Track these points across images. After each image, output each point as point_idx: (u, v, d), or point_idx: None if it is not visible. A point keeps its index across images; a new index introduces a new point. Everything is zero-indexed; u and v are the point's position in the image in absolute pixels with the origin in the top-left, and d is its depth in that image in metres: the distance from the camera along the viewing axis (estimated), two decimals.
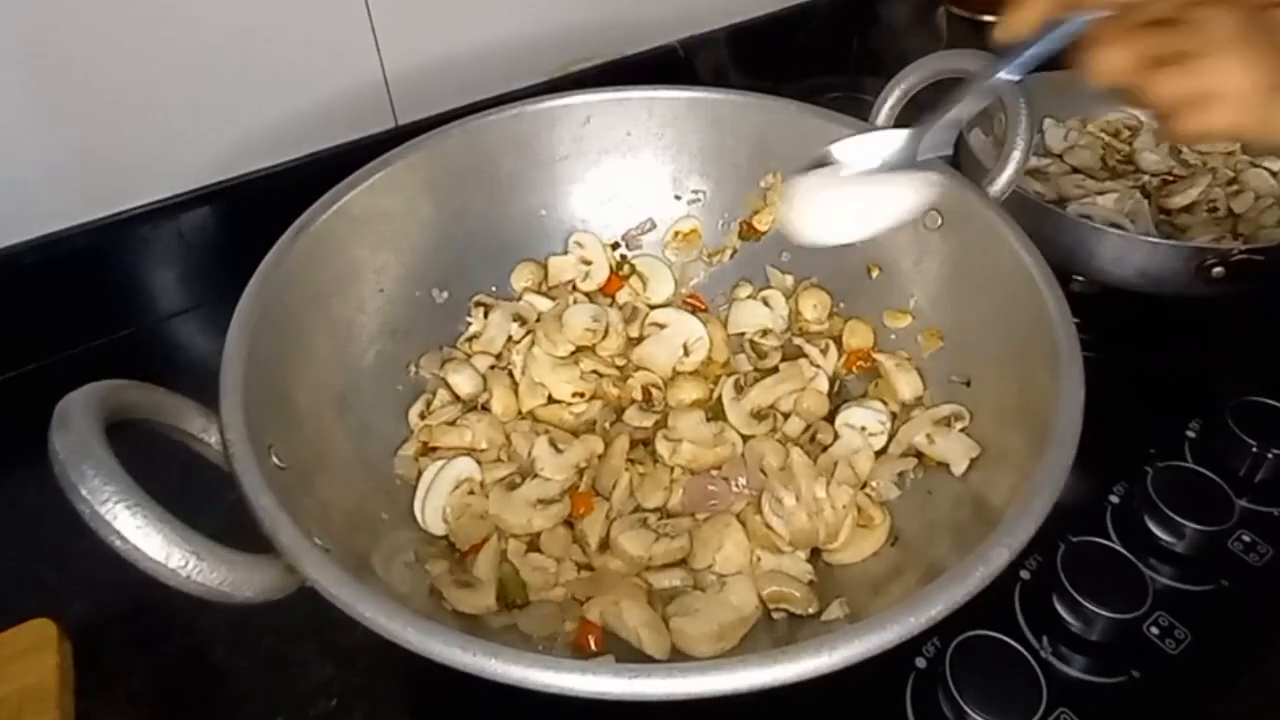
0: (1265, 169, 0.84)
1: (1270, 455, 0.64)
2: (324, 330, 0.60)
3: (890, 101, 0.69)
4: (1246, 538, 0.62)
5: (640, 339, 0.70)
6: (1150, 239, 0.74)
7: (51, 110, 0.70)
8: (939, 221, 0.64)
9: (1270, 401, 0.67)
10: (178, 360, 0.81)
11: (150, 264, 0.80)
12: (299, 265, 0.58)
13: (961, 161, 0.81)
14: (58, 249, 0.75)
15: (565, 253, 0.75)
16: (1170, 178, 0.87)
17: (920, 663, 0.55)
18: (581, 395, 0.66)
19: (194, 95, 0.75)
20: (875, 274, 0.70)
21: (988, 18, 1.11)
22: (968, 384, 0.61)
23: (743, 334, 0.71)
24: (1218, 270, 0.68)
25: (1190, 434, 0.69)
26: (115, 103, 0.72)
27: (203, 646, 0.58)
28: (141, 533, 0.35)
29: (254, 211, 0.60)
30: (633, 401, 0.66)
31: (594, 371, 0.67)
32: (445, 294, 0.70)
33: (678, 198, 0.76)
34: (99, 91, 0.71)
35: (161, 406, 0.44)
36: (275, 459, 0.47)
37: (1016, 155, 0.63)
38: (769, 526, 0.56)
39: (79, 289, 0.77)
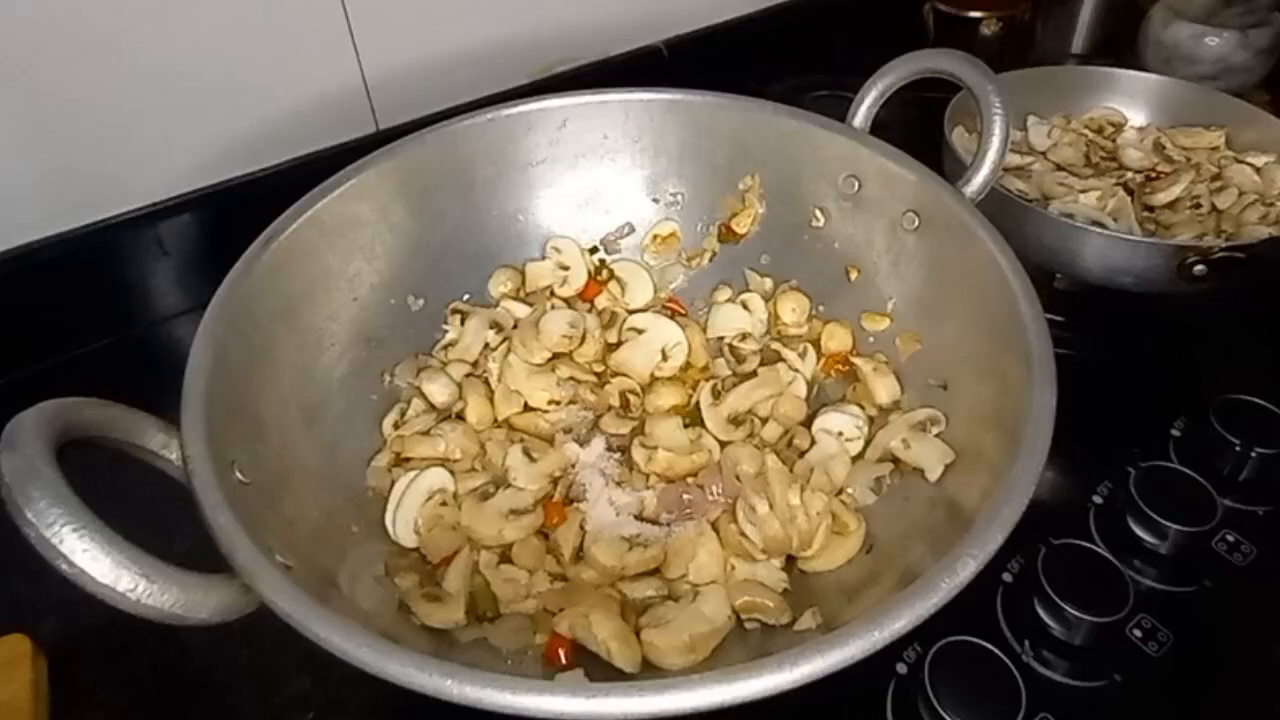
0: (1249, 164, 0.83)
1: (1254, 454, 0.64)
2: (294, 341, 0.59)
3: (868, 101, 0.69)
4: (1230, 537, 0.62)
5: (618, 344, 0.69)
6: (1131, 238, 0.73)
7: (26, 119, 0.70)
8: (915, 223, 0.63)
9: (1254, 399, 0.67)
10: (156, 370, 0.80)
11: (129, 273, 0.80)
12: (268, 275, 0.57)
13: (944, 160, 0.80)
14: (35, 259, 0.74)
15: (543, 258, 0.74)
16: (1154, 174, 0.86)
17: (901, 668, 0.55)
18: (558, 403, 0.65)
19: (173, 102, 0.75)
20: (854, 276, 0.69)
21: (974, 13, 1.10)
22: (944, 387, 0.60)
23: (722, 338, 0.70)
24: (1199, 268, 0.67)
25: (1175, 433, 0.69)
26: (92, 110, 0.72)
27: (178, 660, 0.58)
28: (89, 555, 0.34)
29: (235, 219, 0.59)
30: (610, 408, 0.65)
31: (571, 378, 0.66)
32: (421, 301, 0.69)
33: (656, 200, 0.75)
34: (75, 99, 0.71)
35: (118, 423, 0.43)
36: (239, 474, 0.46)
37: (991, 155, 0.62)
38: (743, 534, 0.55)
39: (57, 299, 0.77)
